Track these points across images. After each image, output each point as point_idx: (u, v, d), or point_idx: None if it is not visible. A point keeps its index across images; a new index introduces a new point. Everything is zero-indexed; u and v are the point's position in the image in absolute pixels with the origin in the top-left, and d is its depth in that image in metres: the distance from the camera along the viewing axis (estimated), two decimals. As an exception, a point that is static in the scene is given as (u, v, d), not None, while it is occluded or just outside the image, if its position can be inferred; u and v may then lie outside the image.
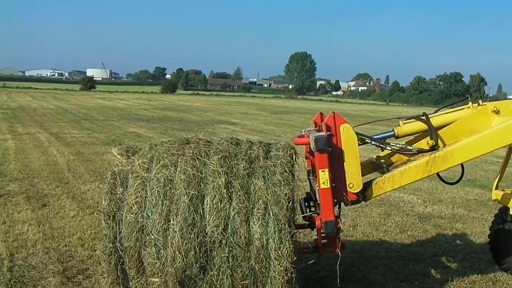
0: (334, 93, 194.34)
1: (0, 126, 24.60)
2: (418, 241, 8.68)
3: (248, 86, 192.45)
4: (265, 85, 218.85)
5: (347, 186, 5.25)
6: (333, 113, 5.26)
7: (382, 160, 6.09)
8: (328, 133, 5.12)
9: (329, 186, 5.03)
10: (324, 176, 5.00)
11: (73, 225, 8.52)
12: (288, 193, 4.87)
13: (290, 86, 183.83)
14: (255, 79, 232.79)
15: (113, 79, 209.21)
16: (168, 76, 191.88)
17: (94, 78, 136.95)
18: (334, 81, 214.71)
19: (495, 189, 6.85)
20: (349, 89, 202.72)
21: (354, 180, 5.25)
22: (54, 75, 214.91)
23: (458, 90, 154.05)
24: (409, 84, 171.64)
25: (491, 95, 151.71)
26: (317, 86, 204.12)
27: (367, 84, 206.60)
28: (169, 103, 62.80)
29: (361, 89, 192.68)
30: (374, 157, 6.24)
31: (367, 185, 5.48)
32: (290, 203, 4.88)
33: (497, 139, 5.48)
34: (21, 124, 26.24)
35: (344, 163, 5.22)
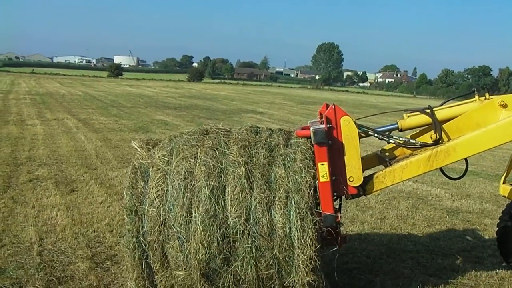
0: (361, 84, 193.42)
1: (29, 111, 24.86)
2: (446, 236, 8.60)
3: (274, 75, 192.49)
4: (292, 75, 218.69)
5: (347, 180, 5.17)
6: (334, 105, 5.17)
7: (387, 154, 6.00)
8: (328, 125, 5.04)
9: (328, 179, 4.93)
10: (323, 169, 4.91)
11: (101, 211, 8.58)
12: (310, 180, 4.84)
13: (317, 77, 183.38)
14: (282, 69, 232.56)
15: (140, 66, 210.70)
16: (195, 64, 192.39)
17: (122, 66, 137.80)
18: (361, 72, 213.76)
19: (503, 183, 6.72)
20: (376, 80, 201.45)
21: (354, 174, 5.17)
22: (82, 61, 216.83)
23: (486, 84, 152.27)
24: (437, 77, 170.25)
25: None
26: (344, 77, 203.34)
27: (395, 76, 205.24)
28: (195, 91, 62.93)
29: (388, 81, 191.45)
30: (379, 150, 6.15)
31: (368, 179, 5.38)
32: (312, 190, 4.85)
33: (502, 134, 5.32)
34: (49, 110, 26.51)
35: (345, 156, 5.14)
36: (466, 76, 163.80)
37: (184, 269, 4.87)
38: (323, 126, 4.99)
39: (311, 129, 4.97)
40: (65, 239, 7.19)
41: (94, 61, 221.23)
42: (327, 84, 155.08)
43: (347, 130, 5.13)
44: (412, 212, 9.86)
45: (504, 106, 5.61)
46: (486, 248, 8.09)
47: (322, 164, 4.92)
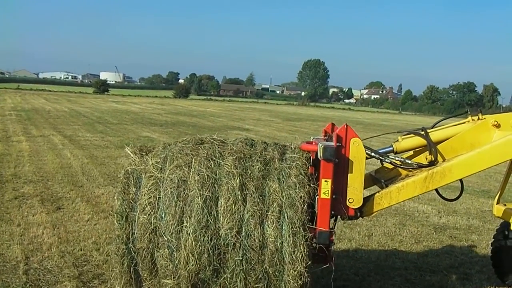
0: (347, 100, 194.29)
1: (15, 128, 24.70)
2: (434, 252, 8.62)
3: (261, 92, 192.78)
4: (278, 92, 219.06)
5: (347, 201, 5.17)
6: (346, 125, 5.18)
7: (381, 174, 6.01)
8: (338, 144, 5.04)
9: (329, 197, 4.91)
10: (326, 186, 4.89)
11: (88, 229, 8.52)
12: (303, 196, 4.82)
13: (303, 93, 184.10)
14: (268, 86, 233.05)
15: (126, 83, 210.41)
16: (181, 81, 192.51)
17: (108, 82, 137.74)
18: (347, 89, 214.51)
19: (496, 203, 6.74)
20: (361, 97, 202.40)
21: (355, 196, 5.16)
22: (67, 77, 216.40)
23: (471, 100, 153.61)
24: (422, 93, 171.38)
25: (504, 105, 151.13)
26: (330, 93, 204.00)
27: (380, 92, 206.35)
28: (182, 108, 62.90)
29: (374, 97, 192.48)
30: (373, 171, 6.16)
31: (365, 201, 5.36)
32: (305, 206, 4.82)
33: (497, 155, 5.36)
34: (35, 126, 26.35)
35: (348, 177, 5.14)
36: (451, 92, 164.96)
37: (173, 278, 4.83)
38: (333, 143, 4.98)
39: (321, 144, 4.94)
40: (51, 257, 7.11)
41: (80, 77, 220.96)
42: (313, 101, 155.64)
43: (356, 152, 5.13)
44: (399, 229, 9.88)
45: (497, 126, 5.65)
46: (474, 264, 8.11)
47: (325, 181, 4.90)
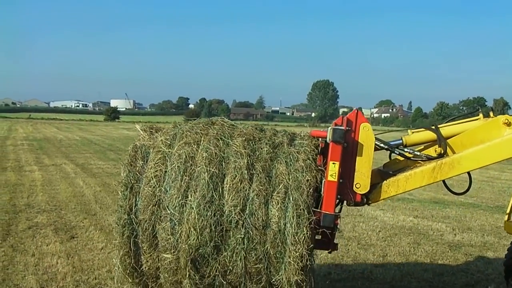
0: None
1: (27, 157, 24.83)
2: (449, 271, 8.55)
3: (271, 114, 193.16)
4: (288, 114, 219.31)
5: (354, 186, 5.16)
6: (357, 110, 5.22)
7: (390, 167, 5.98)
8: (347, 128, 5.05)
9: (336, 180, 4.90)
10: (333, 168, 4.89)
11: (102, 258, 8.51)
12: (310, 179, 4.82)
13: (313, 114, 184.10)
14: (278, 108, 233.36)
15: (136, 109, 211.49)
16: (191, 106, 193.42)
17: (118, 109, 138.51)
18: (357, 108, 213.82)
19: (507, 220, 6.68)
20: (372, 116, 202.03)
21: (362, 181, 5.16)
22: (78, 106, 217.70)
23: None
24: (432, 110, 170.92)
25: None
26: (340, 113, 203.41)
27: (390, 110, 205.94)
28: (192, 132, 62.85)
29: (384, 116, 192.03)
30: (382, 166, 6.13)
31: (372, 188, 5.35)
32: (311, 189, 4.83)
33: (507, 149, 5.33)
34: (47, 155, 26.49)
35: (356, 162, 5.14)
36: (461, 108, 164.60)
37: (172, 252, 4.80)
38: (343, 126, 5.00)
39: (330, 127, 4.97)
40: (66, 287, 7.12)
41: (90, 105, 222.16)
42: (323, 121, 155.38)
43: (365, 137, 5.14)
44: (414, 248, 9.81)
45: (508, 124, 5.61)
46: (490, 281, 8.04)
47: (333, 163, 4.90)
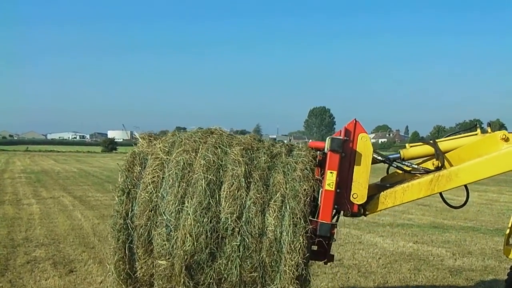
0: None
1: (25, 190, 24.78)
2: (451, 297, 8.50)
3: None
4: (285, 141, 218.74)
5: (351, 196, 5.15)
6: (355, 120, 5.23)
7: (388, 180, 5.98)
8: (345, 138, 5.07)
9: (333, 189, 4.91)
10: (331, 178, 4.89)
11: (101, 291, 8.46)
12: (307, 189, 4.82)
13: (310, 141, 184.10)
14: (275, 136, 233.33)
15: (134, 140, 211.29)
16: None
17: (115, 140, 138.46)
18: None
19: (506, 244, 6.65)
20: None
21: (359, 191, 5.16)
22: (75, 137, 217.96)
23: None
24: (429, 133, 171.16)
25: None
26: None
27: (387, 135, 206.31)
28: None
29: (381, 141, 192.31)
30: (379, 180, 6.13)
31: (369, 199, 5.34)
32: (308, 199, 4.82)
33: (504, 163, 5.32)
34: (45, 188, 26.43)
35: (354, 172, 5.15)
36: (458, 131, 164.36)
37: (167, 259, 4.78)
38: (341, 136, 5.03)
39: (328, 137, 5.01)
40: (65, 322, 7.06)
41: (88, 136, 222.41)
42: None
43: (363, 147, 5.16)
44: (414, 275, 9.77)
45: (506, 139, 5.61)
46: (492, 307, 7.99)
47: (331, 173, 4.91)
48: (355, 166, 5.14)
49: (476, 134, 5.88)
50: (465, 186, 5.65)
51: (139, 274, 4.95)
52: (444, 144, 5.82)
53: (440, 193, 5.65)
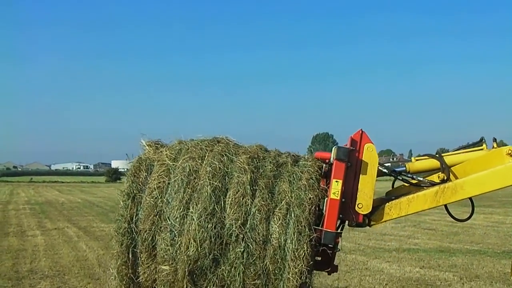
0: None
1: (29, 222, 24.72)
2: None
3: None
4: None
5: (356, 206, 5.15)
6: (361, 130, 5.24)
7: (393, 193, 5.96)
8: (351, 148, 5.08)
9: (338, 198, 4.92)
10: (336, 187, 4.91)
11: (107, 322, 8.40)
12: (313, 198, 4.86)
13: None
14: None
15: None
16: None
17: (119, 170, 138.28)
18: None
19: None
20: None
21: (364, 201, 5.17)
22: (79, 168, 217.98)
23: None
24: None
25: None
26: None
27: (391, 160, 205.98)
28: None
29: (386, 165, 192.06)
30: (384, 194, 6.12)
31: (374, 210, 5.35)
32: (313, 207, 4.84)
33: (510, 176, 5.32)
34: (49, 219, 26.38)
35: (359, 182, 5.15)
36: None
37: (170, 264, 4.77)
38: (348, 146, 5.05)
39: (334, 147, 5.02)
40: None
41: (92, 166, 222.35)
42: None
43: (369, 157, 5.18)
44: (422, 300, 9.69)
45: (511, 155, 5.62)
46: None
47: (336, 181, 4.93)
48: (360, 176, 5.17)
49: (481, 149, 5.89)
50: (470, 199, 5.65)
51: (142, 279, 4.95)
52: (449, 158, 5.83)
53: (446, 207, 5.66)
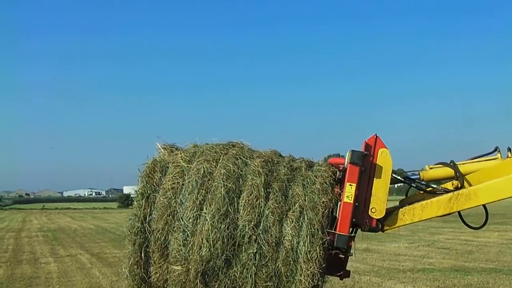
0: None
1: (42, 249, 24.75)
2: None
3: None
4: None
5: (370, 211, 5.12)
6: (376, 135, 5.24)
7: (405, 202, 5.92)
8: (365, 152, 5.08)
9: (352, 201, 4.91)
10: (350, 190, 4.90)
11: None
12: (326, 201, 4.85)
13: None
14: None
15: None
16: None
17: (131, 195, 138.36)
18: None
19: None
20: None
21: (378, 206, 5.13)
22: (91, 194, 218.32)
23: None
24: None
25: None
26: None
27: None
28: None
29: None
30: (398, 203, 6.08)
31: (387, 215, 5.30)
32: (327, 211, 4.83)
33: None
34: (62, 246, 26.40)
35: (373, 186, 5.13)
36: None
37: (182, 264, 4.75)
38: (362, 150, 5.05)
39: (349, 150, 5.02)
40: None
41: (103, 192, 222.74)
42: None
43: (383, 162, 5.16)
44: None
45: None
46: None
47: (350, 185, 4.93)
48: (374, 180, 5.15)
49: (496, 158, 5.86)
50: (484, 207, 5.62)
51: (153, 279, 4.94)
52: (463, 167, 5.79)
53: (460, 214, 5.61)
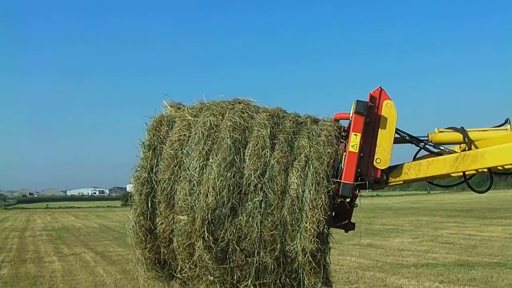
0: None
1: (46, 248, 24.81)
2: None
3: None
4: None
5: (374, 161, 5.12)
6: (380, 87, 5.25)
7: None
8: (370, 103, 5.07)
9: (357, 151, 4.92)
10: (355, 140, 4.91)
11: None
12: (331, 152, 4.87)
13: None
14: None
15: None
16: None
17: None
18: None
19: None
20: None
21: (382, 156, 5.13)
22: (95, 193, 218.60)
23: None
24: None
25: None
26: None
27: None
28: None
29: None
30: None
31: (392, 168, 5.30)
32: (332, 161, 4.85)
33: None
34: (66, 245, 26.45)
35: (378, 137, 5.13)
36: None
37: (188, 214, 4.77)
38: (367, 100, 5.06)
39: (354, 101, 5.02)
40: None
41: (107, 191, 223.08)
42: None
43: (388, 113, 5.16)
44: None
45: None
46: None
47: (355, 135, 4.93)
48: (379, 131, 5.15)
49: (506, 129, 5.86)
50: (490, 173, 5.60)
51: (159, 230, 4.95)
52: (473, 133, 5.75)
53: (465, 177, 5.59)
